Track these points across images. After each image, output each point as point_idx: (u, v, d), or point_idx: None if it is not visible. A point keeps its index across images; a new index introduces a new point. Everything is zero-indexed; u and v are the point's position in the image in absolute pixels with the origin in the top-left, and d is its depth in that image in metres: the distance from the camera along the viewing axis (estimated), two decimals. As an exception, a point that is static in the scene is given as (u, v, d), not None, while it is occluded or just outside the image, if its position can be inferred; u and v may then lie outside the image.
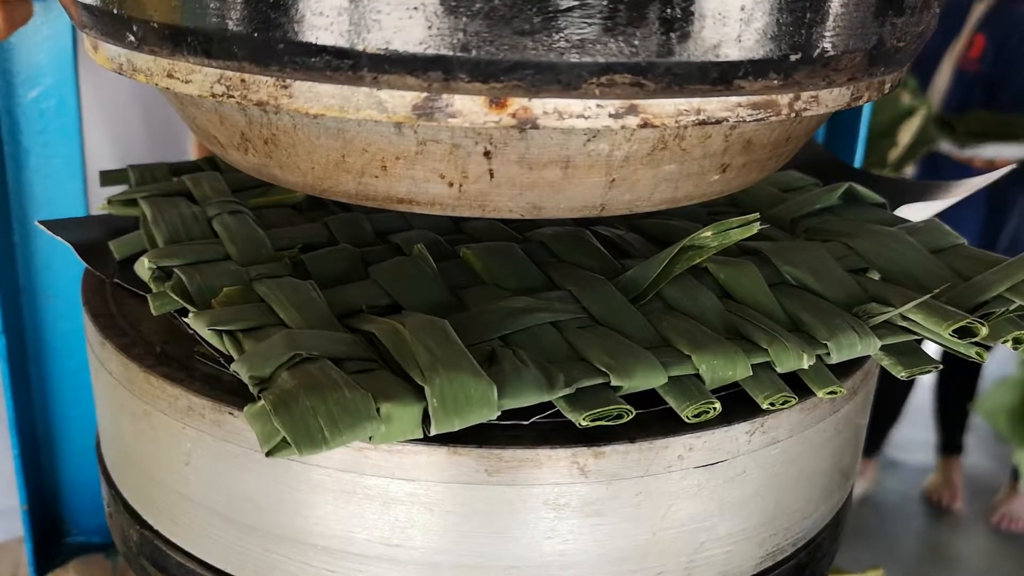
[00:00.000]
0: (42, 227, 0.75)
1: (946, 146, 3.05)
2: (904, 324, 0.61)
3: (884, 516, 3.43)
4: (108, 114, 1.15)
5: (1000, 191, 3.02)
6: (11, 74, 0.89)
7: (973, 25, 3.08)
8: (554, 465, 0.53)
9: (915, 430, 3.75)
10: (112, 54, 0.53)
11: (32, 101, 0.90)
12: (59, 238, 0.73)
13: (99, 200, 0.96)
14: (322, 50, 0.45)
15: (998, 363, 3.96)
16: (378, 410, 0.49)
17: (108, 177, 0.83)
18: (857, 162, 0.97)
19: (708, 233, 0.59)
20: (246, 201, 0.76)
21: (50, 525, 1.03)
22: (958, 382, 3.40)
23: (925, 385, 3.65)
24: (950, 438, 3.51)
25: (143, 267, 0.67)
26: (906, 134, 2.93)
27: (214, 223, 0.71)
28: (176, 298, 0.62)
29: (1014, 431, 3.38)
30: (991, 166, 2.99)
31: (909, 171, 3.07)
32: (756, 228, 0.59)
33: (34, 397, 0.98)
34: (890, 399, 3.32)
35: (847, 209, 0.76)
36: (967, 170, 2.99)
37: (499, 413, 0.52)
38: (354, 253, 0.68)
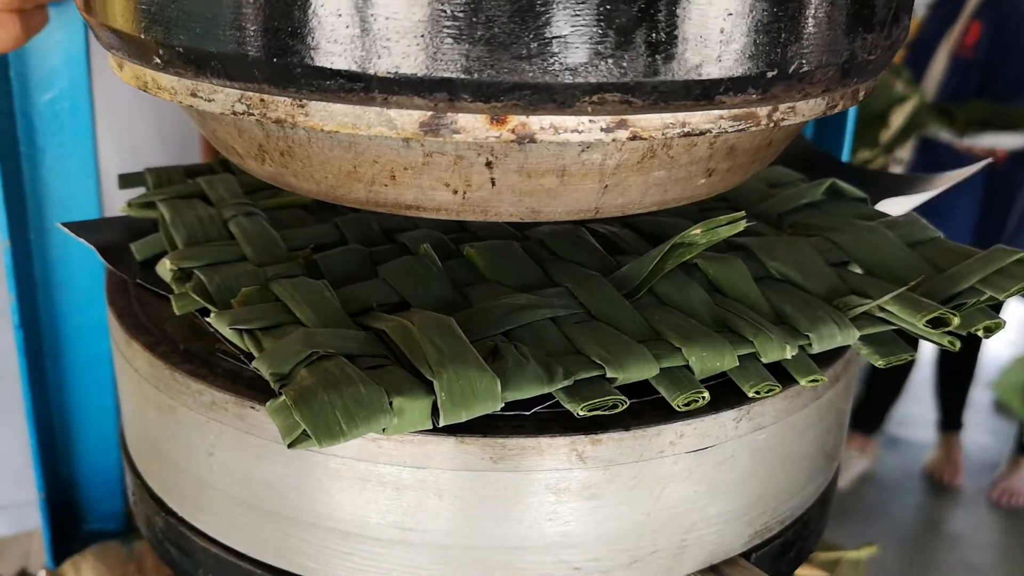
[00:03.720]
0: (64, 229, 0.77)
1: (945, 135, 3.04)
2: (882, 315, 0.64)
3: (885, 493, 3.44)
4: (117, 116, 1.17)
5: (1002, 176, 3.02)
6: (26, 77, 0.91)
7: (970, 12, 3.09)
8: (554, 452, 0.56)
9: (915, 407, 3.76)
10: (138, 73, 0.56)
11: (47, 103, 0.92)
12: (82, 240, 0.76)
13: (110, 197, 0.99)
14: (336, 74, 0.48)
15: (999, 341, 3.98)
16: (391, 404, 0.53)
17: (127, 180, 0.86)
18: (845, 154, 1.00)
19: (697, 231, 0.62)
20: (258, 202, 0.79)
21: (66, 514, 1.05)
22: (958, 359, 3.40)
23: (925, 362, 3.67)
24: (950, 415, 3.52)
25: (165, 268, 0.70)
26: (898, 118, 2.93)
27: (230, 225, 0.74)
28: (198, 298, 0.65)
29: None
30: (991, 154, 2.99)
31: (905, 155, 3.07)
32: (743, 226, 0.61)
33: (50, 389, 1.00)
34: (890, 377, 3.34)
35: (830, 204, 0.79)
36: (966, 158, 2.99)
37: (503, 404, 0.55)
38: (363, 253, 0.71)
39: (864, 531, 3.10)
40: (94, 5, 0.57)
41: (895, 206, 0.81)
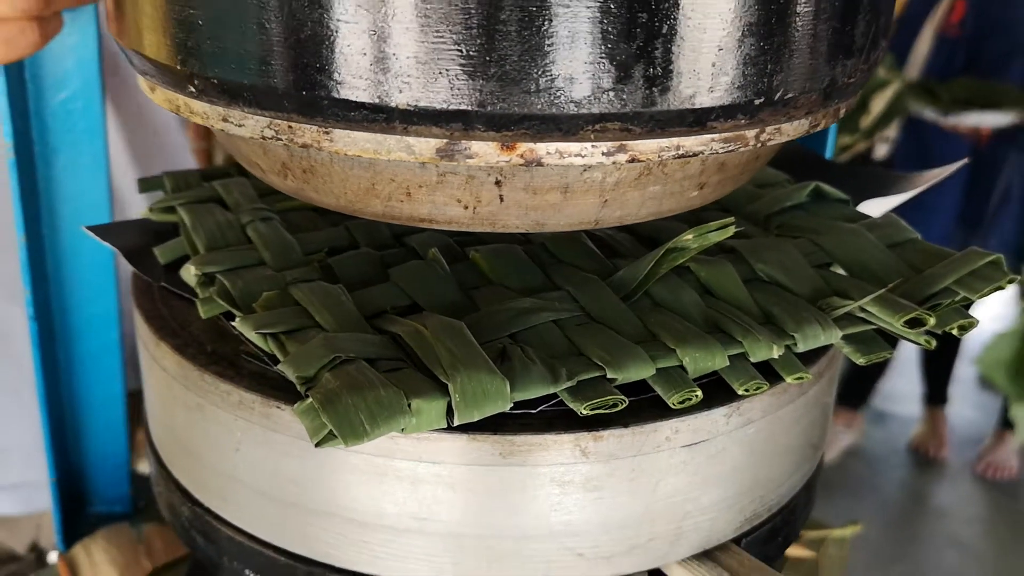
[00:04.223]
0: (90, 233, 0.80)
1: (930, 113, 3.06)
2: (863, 315, 0.68)
3: (872, 467, 3.49)
4: (122, 119, 1.20)
5: (985, 154, 3.05)
6: (40, 79, 0.93)
7: (955, -10, 3.11)
8: (559, 448, 0.60)
9: (901, 382, 3.80)
10: (170, 97, 0.60)
11: (60, 103, 0.94)
12: (106, 244, 0.79)
13: (120, 196, 1.01)
14: (360, 105, 0.52)
15: (984, 316, 4.01)
16: (409, 405, 0.56)
17: (145, 184, 0.90)
18: (829, 150, 1.03)
19: (689, 236, 0.65)
20: (273, 205, 0.82)
21: (74, 496, 1.08)
22: (943, 335, 3.43)
23: (911, 338, 3.70)
24: (935, 389, 3.56)
25: (189, 273, 0.73)
26: (879, 103, 2.96)
27: (248, 230, 0.77)
28: (222, 303, 0.68)
29: (1013, 385, 3.43)
30: (975, 133, 3.02)
31: (892, 134, 3.10)
32: (732, 231, 0.65)
33: (61, 377, 1.03)
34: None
35: (815, 205, 0.82)
36: (951, 137, 3.02)
37: (511, 404, 0.58)
38: (375, 257, 0.74)
39: (850, 505, 3.15)
40: (129, 34, 0.60)
41: (878, 204, 0.85)
